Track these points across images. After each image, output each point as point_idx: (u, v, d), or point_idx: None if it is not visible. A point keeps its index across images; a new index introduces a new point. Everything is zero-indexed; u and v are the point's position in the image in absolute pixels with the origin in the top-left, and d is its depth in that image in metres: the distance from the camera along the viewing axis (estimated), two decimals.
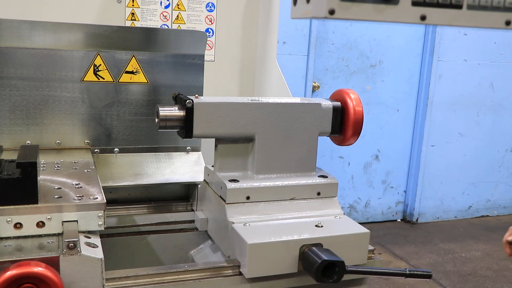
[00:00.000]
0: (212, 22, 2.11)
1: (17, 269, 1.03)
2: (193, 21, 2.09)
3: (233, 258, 1.32)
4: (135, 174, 1.72)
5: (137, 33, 1.79)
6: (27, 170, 1.14)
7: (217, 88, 2.08)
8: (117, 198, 1.74)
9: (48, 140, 1.69)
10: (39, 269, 1.03)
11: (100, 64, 1.72)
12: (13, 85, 1.63)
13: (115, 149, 1.76)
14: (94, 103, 1.72)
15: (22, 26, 1.62)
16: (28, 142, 1.65)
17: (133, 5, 2.00)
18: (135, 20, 2.02)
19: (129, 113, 1.76)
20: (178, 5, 2.07)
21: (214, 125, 1.39)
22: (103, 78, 1.74)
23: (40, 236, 1.16)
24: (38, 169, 1.18)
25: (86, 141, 1.73)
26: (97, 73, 1.72)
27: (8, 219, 1.13)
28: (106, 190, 1.47)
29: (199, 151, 1.84)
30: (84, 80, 1.70)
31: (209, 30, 2.10)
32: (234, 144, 1.46)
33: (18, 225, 1.14)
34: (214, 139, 1.46)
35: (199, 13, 2.08)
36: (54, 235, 1.16)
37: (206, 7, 2.09)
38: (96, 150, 1.72)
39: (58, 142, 1.70)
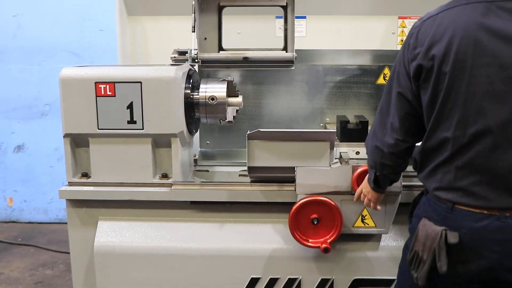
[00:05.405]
0: None
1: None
2: None
3: None
4: None
5: None
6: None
7: None
8: None
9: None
10: None
11: (387, 73, 2.74)
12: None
13: None
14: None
15: (333, 53, 2.77)
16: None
17: (402, 35, 3.03)
18: None
19: None
20: None
21: None
22: None
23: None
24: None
25: None
26: (385, 78, 2.70)
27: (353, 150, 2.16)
28: None
29: None
30: (377, 83, 2.73)
31: None
32: None
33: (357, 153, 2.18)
34: None
35: None
36: None
37: None
38: None
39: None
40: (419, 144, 1.70)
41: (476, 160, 1.49)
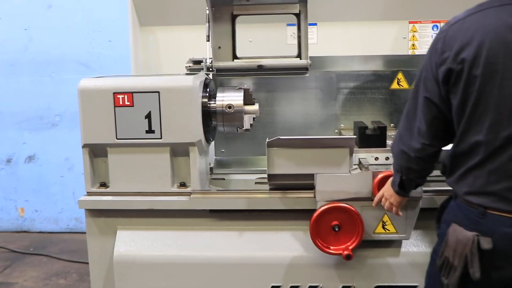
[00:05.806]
0: None
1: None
2: None
3: None
4: None
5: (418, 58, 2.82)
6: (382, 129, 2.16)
7: None
8: None
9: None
10: None
11: (400, 78, 2.72)
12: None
13: None
14: (396, 101, 2.73)
15: (345, 59, 2.76)
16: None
17: (413, 39, 3.02)
18: (414, 49, 3.01)
19: None
20: None
21: None
22: (402, 86, 2.74)
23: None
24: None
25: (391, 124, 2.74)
26: (399, 83, 2.73)
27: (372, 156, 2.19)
28: None
29: None
30: (391, 88, 2.74)
31: None
32: None
33: (376, 158, 2.19)
34: None
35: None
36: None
37: None
38: None
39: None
40: (446, 148, 1.67)
41: (509, 164, 1.48)
